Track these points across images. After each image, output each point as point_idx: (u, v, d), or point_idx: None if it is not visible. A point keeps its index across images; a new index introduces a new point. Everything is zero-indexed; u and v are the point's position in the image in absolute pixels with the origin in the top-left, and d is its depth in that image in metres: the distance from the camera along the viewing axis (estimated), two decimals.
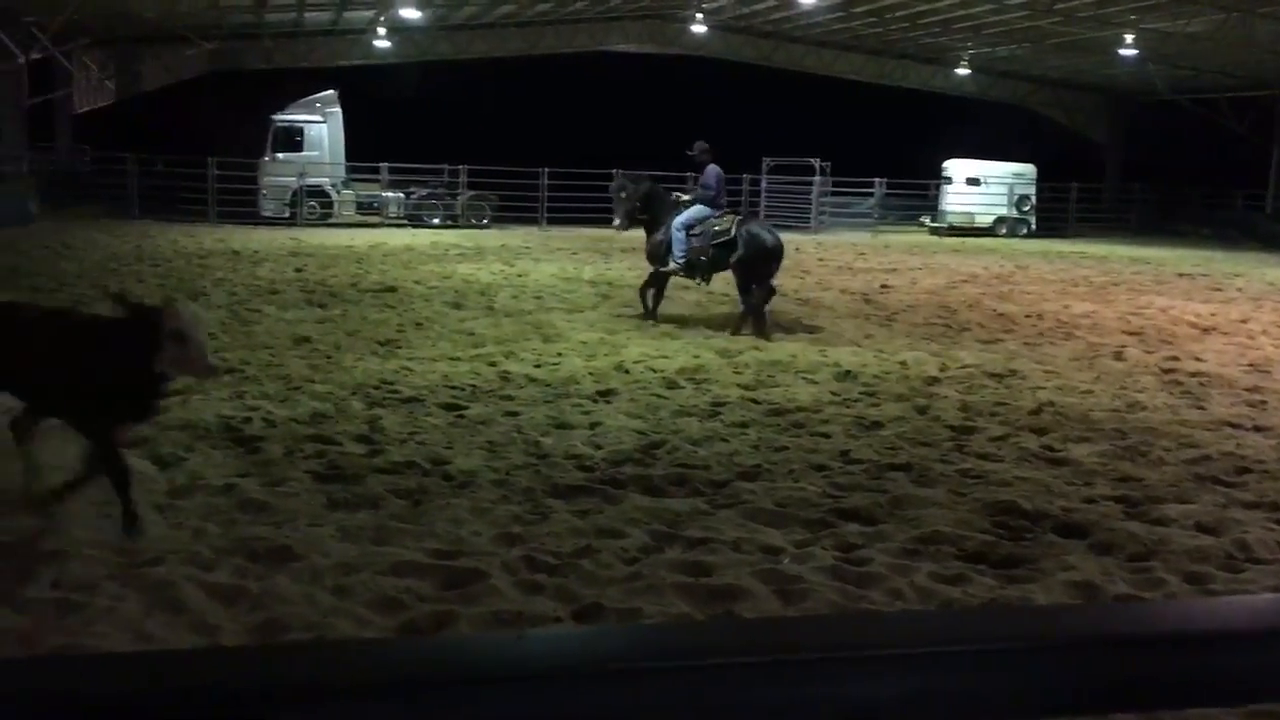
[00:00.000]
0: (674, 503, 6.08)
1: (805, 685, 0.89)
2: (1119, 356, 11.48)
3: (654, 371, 9.98)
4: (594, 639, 1.14)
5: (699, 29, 35.39)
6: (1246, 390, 9.79)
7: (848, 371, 10.24)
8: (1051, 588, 4.93)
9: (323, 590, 4.68)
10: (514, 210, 31.31)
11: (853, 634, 0.95)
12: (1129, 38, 31.19)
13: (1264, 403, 9.27)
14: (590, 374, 9.76)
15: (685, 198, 13.58)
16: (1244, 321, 14.46)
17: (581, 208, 31.16)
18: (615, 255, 22.90)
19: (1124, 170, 40.67)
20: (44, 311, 5.91)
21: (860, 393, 9.37)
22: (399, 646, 1.56)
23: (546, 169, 31.24)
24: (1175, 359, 11.31)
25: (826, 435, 7.79)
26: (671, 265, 13.05)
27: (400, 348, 10.89)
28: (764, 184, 35.36)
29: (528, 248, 24.14)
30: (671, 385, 9.45)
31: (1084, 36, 31.90)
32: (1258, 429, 8.31)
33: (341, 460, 6.69)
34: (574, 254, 22.94)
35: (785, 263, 22.23)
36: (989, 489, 6.47)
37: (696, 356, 10.81)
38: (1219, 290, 18.55)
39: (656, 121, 42.33)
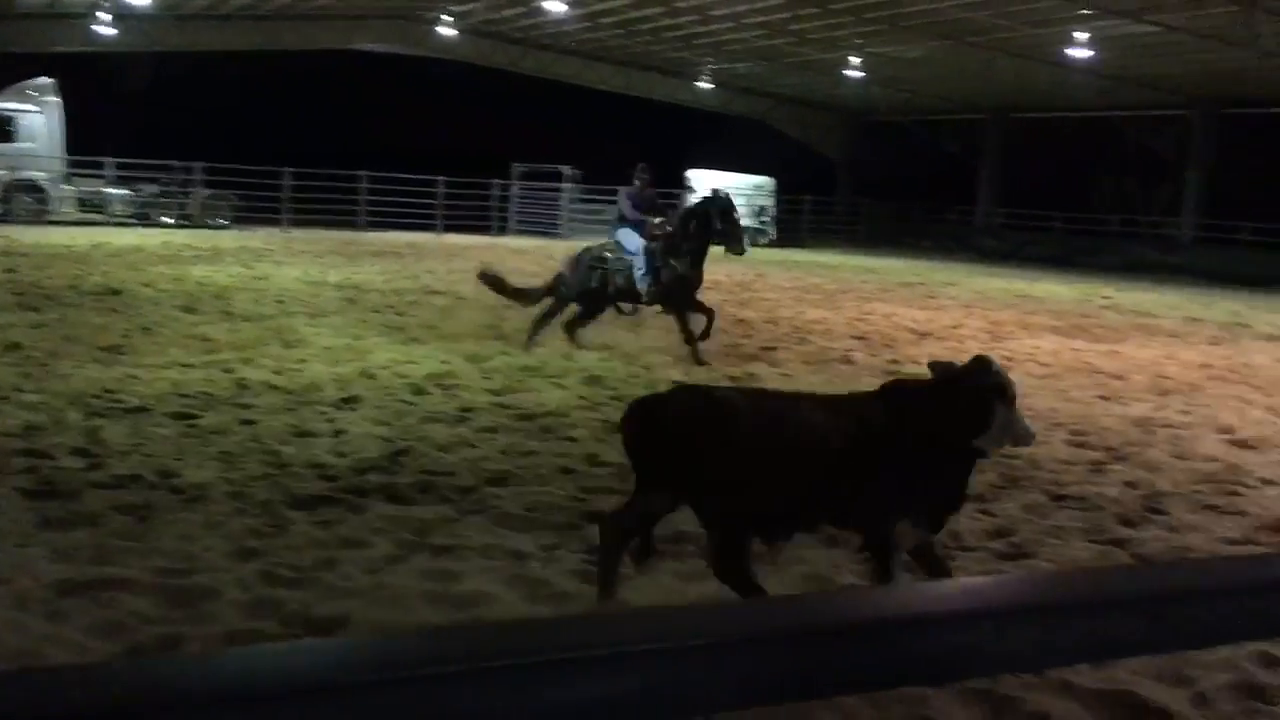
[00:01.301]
0: (420, 510, 5.99)
1: (518, 690, 0.90)
2: (846, 360, 12.17)
3: (401, 377, 9.80)
4: (323, 652, 1.10)
5: (447, 32, 35.06)
6: None
7: (595, 376, 10.39)
8: (786, 581, 5.15)
9: (33, 616, 4.33)
10: (255, 211, 29.98)
11: (563, 637, 0.97)
12: (855, 60, 33.17)
13: None
14: (334, 380, 9.48)
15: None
16: (956, 327, 15.64)
17: (327, 209, 30.23)
18: (363, 259, 22.34)
19: (854, 185, 43.18)
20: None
21: (608, 396, 9.52)
22: (113, 671, 1.47)
23: (290, 169, 30.11)
24: (896, 362, 12.09)
25: (575, 439, 7.88)
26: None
27: (125, 354, 10.22)
28: (514, 190, 35.38)
29: (269, 250, 23.17)
30: (419, 391, 9.30)
31: (815, 57, 33.71)
32: None
33: (56, 475, 6.21)
34: (319, 257, 22.20)
35: (536, 269, 22.40)
36: None
37: (445, 362, 10.69)
38: (934, 298, 20.00)
39: (405, 123, 41.65)
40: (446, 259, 23.63)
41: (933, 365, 4.75)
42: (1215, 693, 4.04)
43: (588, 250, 12.49)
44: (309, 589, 4.75)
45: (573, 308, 12.22)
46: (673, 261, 11.76)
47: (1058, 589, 1.12)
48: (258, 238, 26.08)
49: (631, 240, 12.05)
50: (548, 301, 12.21)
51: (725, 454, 4.15)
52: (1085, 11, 24.68)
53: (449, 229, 31.99)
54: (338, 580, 4.86)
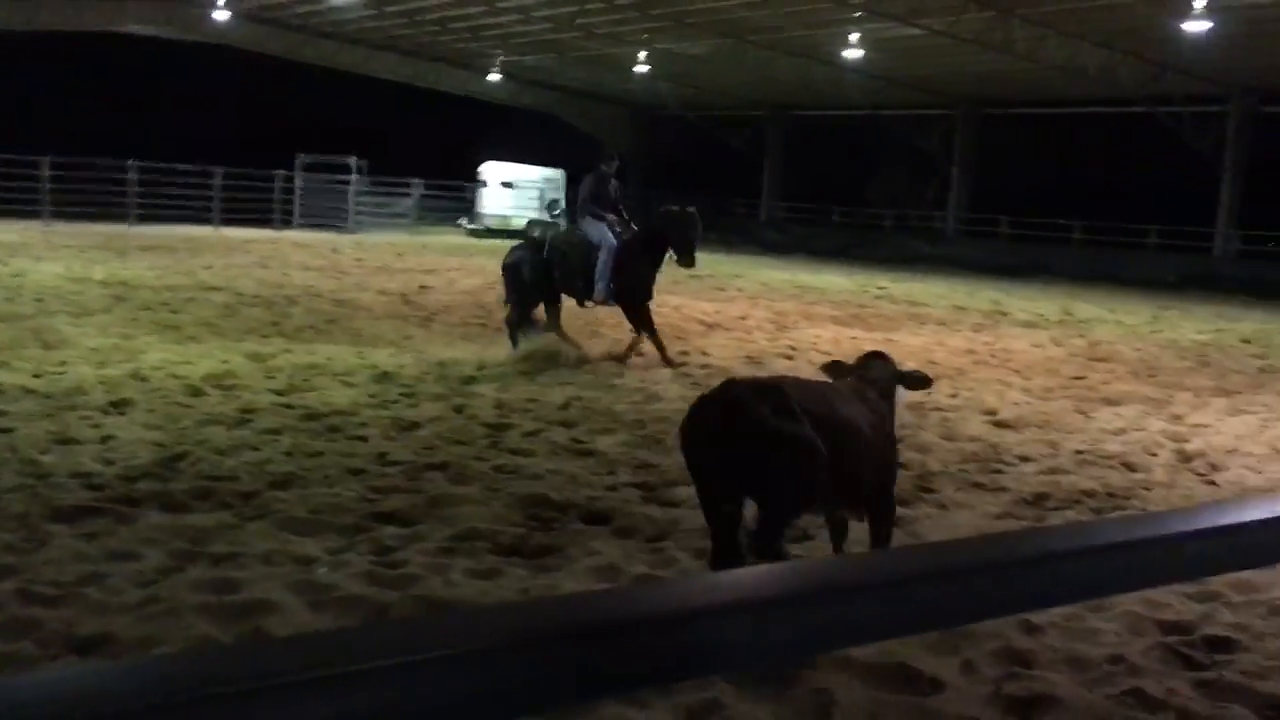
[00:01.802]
0: (197, 518, 5.70)
1: (261, 712, 0.85)
2: (639, 352, 12.32)
3: (176, 378, 9.31)
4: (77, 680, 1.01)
5: (221, 15, 33.52)
6: None
7: (385, 373, 10.17)
8: (577, 574, 5.18)
9: None
10: (8, 204, 27.87)
11: (316, 653, 0.92)
12: (641, 55, 33.65)
13: None
14: (101, 383, 8.92)
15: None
16: (743, 318, 16.10)
17: (93, 202, 28.42)
18: (133, 254, 21.13)
19: (644, 178, 43.81)
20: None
21: (398, 394, 9.33)
22: None
23: (50, 158, 28.12)
24: (686, 353, 12.34)
25: (364, 438, 7.68)
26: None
27: None
28: (298, 182, 34.18)
29: (26, 244, 21.60)
30: (196, 393, 8.86)
31: (603, 52, 34.01)
32: None
33: None
34: (83, 252, 20.86)
35: (322, 263, 21.76)
36: (522, 483, 6.68)
37: (225, 361, 10.23)
38: (722, 290, 20.53)
39: (178, 111, 39.57)
40: (225, 254, 22.64)
41: (824, 368, 5.31)
42: (981, 660, 4.30)
43: (530, 243, 12.09)
44: (71, 606, 4.44)
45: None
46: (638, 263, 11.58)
47: (811, 577, 1.16)
48: (13, 231, 24.24)
49: (598, 233, 11.70)
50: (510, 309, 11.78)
51: (796, 445, 4.32)
52: (857, 14, 25.82)
53: (228, 222, 30.64)
54: (104, 596, 4.57)
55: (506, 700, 0.92)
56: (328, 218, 33.60)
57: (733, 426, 4.32)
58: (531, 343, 11.26)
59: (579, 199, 12.29)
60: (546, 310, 11.88)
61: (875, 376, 5.05)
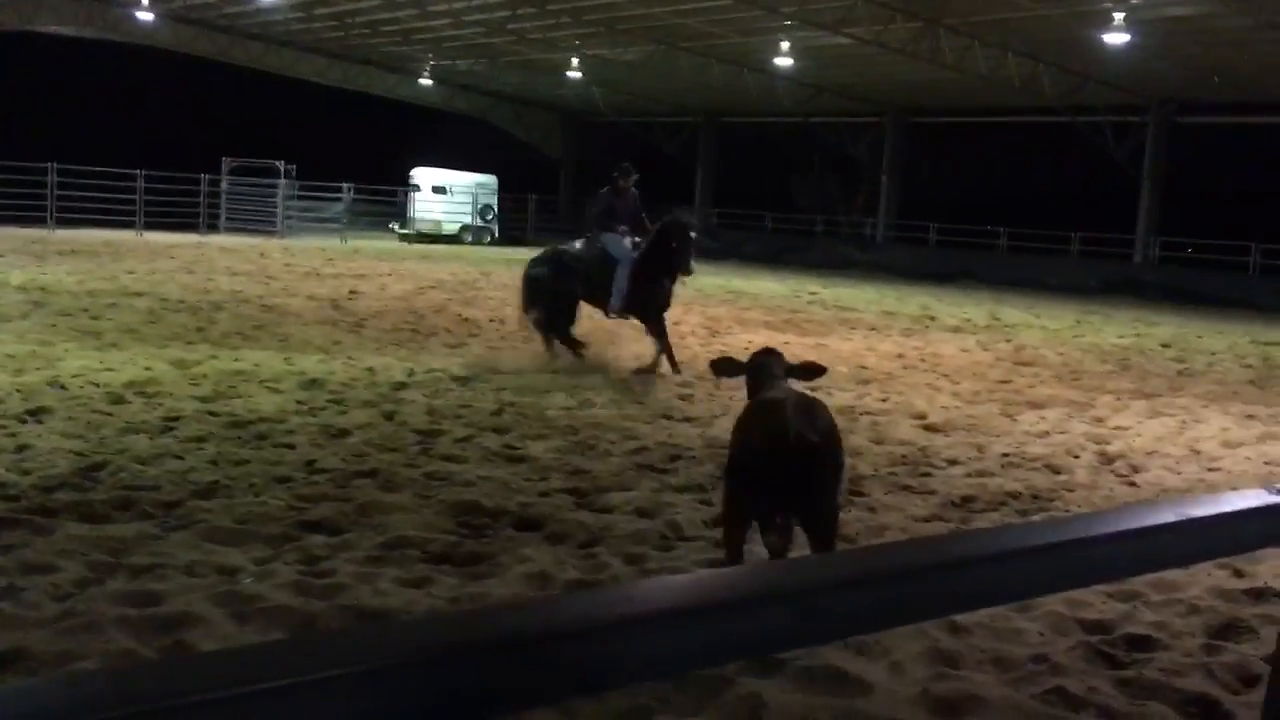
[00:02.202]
0: (117, 528, 5.56)
1: None
2: (659, 367, 12.31)
3: (97, 386, 9.09)
4: None
5: (145, 16, 32.88)
6: (678, 385, 10.92)
7: (314, 379, 10.03)
8: (509, 581, 5.15)
9: None
10: None
11: (219, 672, 0.90)
12: (574, 61, 33.64)
13: (692, 396, 10.40)
14: (18, 390, 8.68)
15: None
16: (676, 323, 16.11)
17: (10, 205, 27.69)
18: (51, 259, 20.61)
19: (577, 184, 43.75)
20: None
21: (327, 400, 9.21)
22: None
23: None
24: (620, 358, 12.32)
25: (291, 446, 7.55)
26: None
27: None
28: (224, 185, 33.62)
29: None
30: (117, 400, 8.66)
31: (535, 57, 33.93)
32: (687, 419, 9.30)
33: None
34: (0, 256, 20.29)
35: (249, 268, 21.41)
36: (453, 489, 6.63)
37: (148, 369, 10.02)
38: None
39: (100, 115, 38.71)
40: (149, 259, 22.18)
41: (714, 364, 5.51)
42: (909, 661, 4.35)
43: (563, 252, 12.20)
44: None
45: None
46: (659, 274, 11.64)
47: (713, 588, 1.16)
48: None
49: (616, 246, 11.77)
50: (535, 314, 11.89)
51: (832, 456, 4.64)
52: (788, 23, 26.04)
53: (151, 226, 30.03)
54: (18, 609, 4.43)
55: (411, 716, 0.91)
56: (256, 222, 33.09)
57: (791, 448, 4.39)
58: (559, 348, 11.62)
59: (592, 213, 12.42)
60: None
61: (776, 372, 5.15)
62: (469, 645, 0.94)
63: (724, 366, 5.45)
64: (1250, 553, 4.83)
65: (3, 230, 26.08)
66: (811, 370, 5.46)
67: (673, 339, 13.45)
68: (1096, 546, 1.29)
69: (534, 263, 12.48)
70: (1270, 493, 1.55)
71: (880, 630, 3.84)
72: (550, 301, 11.95)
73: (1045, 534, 1.36)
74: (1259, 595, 5.37)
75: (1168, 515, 1.35)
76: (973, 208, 33.84)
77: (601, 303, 12.10)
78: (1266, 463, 8.74)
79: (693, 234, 11.92)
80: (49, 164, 28.67)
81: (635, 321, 12.32)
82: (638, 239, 12.02)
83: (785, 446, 4.35)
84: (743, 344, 14.22)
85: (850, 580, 1.15)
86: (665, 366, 11.64)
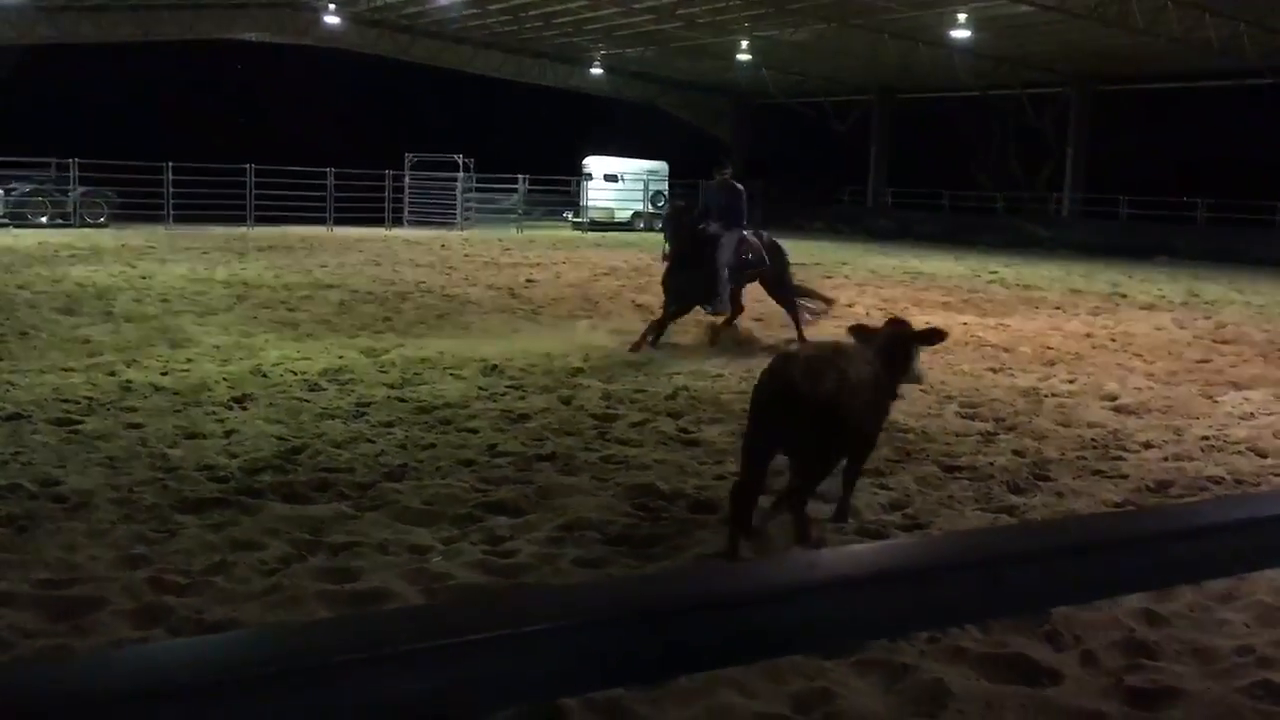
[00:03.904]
0: (316, 509, 5.87)
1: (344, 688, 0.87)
2: (750, 339, 12.29)
3: (295, 374, 9.59)
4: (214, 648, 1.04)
5: (332, 20, 34.39)
6: None
7: (494, 366, 10.31)
8: (685, 562, 5.19)
9: None
10: (135, 208, 29.08)
11: (414, 626, 0.94)
12: (744, 43, 33.43)
13: None
14: (224, 379, 9.24)
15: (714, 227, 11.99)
16: (850, 305, 15.88)
17: (213, 205, 29.44)
18: (251, 255, 21.82)
19: (747, 167, 43.56)
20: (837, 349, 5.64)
21: (506, 386, 9.45)
22: None
23: (171, 163, 29.22)
24: (792, 341, 12.22)
25: (474, 430, 7.80)
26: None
27: (1, 360, 9.82)
28: (407, 180, 34.89)
29: (152, 248, 22.49)
30: (314, 388, 9.12)
31: (704, 41, 33.87)
32: None
33: None
34: (204, 254, 21.62)
35: (431, 260, 22.18)
36: (630, 473, 6.72)
37: (340, 357, 10.51)
38: (830, 278, 20.28)
39: (294, 115, 40.73)
40: (339, 252, 23.22)
41: (851, 330, 6.11)
42: (1102, 651, 4.19)
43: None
44: (200, 594, 4.62)
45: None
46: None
47: (897, 557, 1.14)
48: (139, 236, 25.27)
49: (724, 253, 11.82)
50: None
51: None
52: None
53: (341, 222, 31.44)
54: (230, 584, 4.74)
55: (599, 672, 0.93)
56: (437, 215, 34.21)
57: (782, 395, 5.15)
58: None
59: (704, 208, 12.32)
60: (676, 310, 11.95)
61: (887, 337, 5.84)
62: (652, 608, 0.96)
63: (859, 331, 6.07)
64: None
65: (206, 229, 27.77)
66: (934, 335, 6.10)
67: (848, 321, 13.28)
68: None
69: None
70: None
71: (1067, 604, 3.71)
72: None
73: (1248, 508, 1.29)
74: None
75: None
76: (1168, 179, 32.09)
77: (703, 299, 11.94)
78: None
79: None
80: (247, 165, 30.33)
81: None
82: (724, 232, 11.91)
83: (771, 391, 5.19)
84: (919, 325, 13.90)
85: (1038, 552, 1.12)
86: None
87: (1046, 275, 22.37)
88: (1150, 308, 16.94)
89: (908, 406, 8.97)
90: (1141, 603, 4.54)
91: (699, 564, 4.98)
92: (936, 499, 6.38)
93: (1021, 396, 9.53)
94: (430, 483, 6.41)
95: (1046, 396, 9.51)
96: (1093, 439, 7.95)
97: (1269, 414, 8.96)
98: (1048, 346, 12.51)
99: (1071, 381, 10.26)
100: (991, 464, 7.18)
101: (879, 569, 1.05)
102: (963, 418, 8.67)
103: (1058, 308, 16.63)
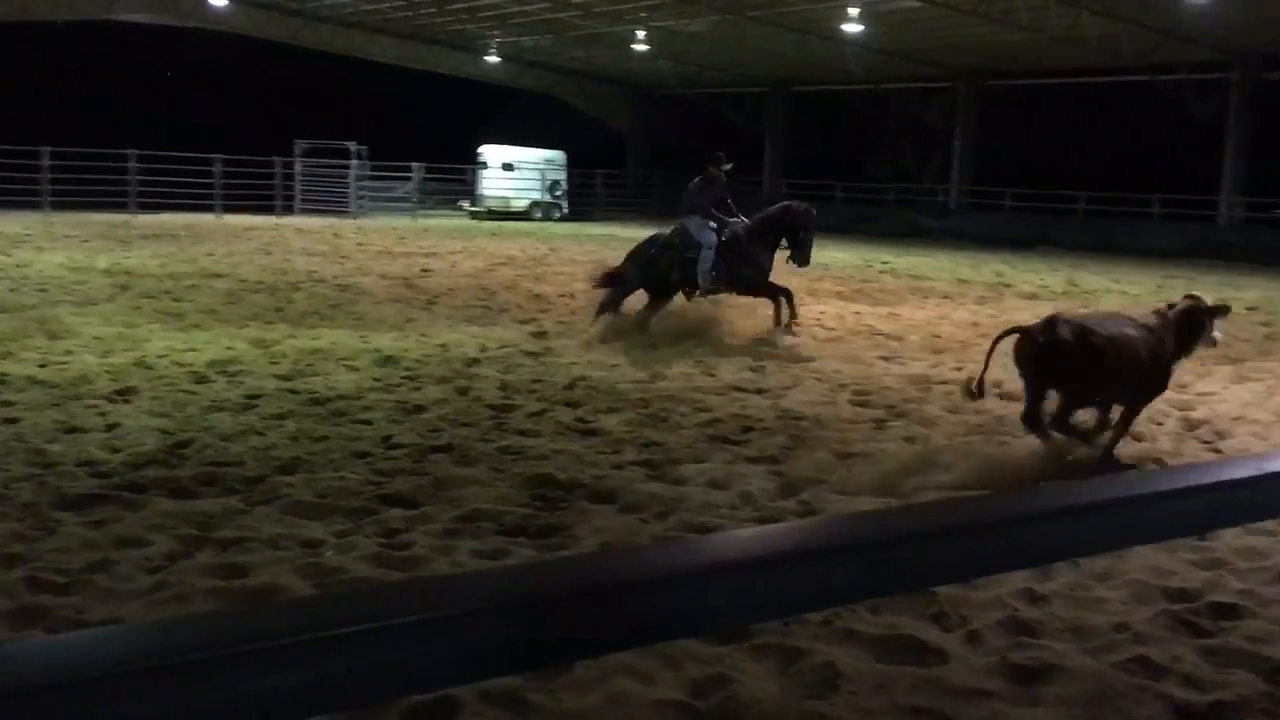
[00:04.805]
0: (204, 504, 5.72)
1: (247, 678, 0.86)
2: (790, 327, 12.38)
3: (181, 366, 9.33)
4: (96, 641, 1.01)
5: (218, 2, 33.45)
6: (750, 358, 10.89)
7: (389, 356, 10.17)
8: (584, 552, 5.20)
9: None
10: (9, 195, 27.89)
11: (299, 618, 0.93)
12: (640, 34, 33.49)
13: (763, 368, 10.37)
14: (106, 372, 8.95)
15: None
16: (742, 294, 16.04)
17: (94, 191, 28.42)
18: (135, 243, 21.14)
19: (645, 158, 43.68)
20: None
21: (402, 377, 9.34)
22: None
23: (49, 148, 28.11)
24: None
25: (368, 422, 7.69)
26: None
27: None
28: (298, 167, 34.13)
29: (28, 235, 21.63)
30: (201, 380, 8.89)
31: (601, 30, 33.83)
32: (758, 391, 9.28)
33: None
34: (85, 242, 20.89)
35: (324, 249, 21.77)
36: (527, 463, 6.70)
37: (229, 348, 10.26)
38: None
39: (175, 99, 39.49)
40: (227, 241, 22.64)
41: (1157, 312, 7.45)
42: (986, 630, 4.32)
43: (654, 238, 12.43)
44: (80, 593, 4.47)
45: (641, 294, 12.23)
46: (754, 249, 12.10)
47: (780, 541, 1.17)
48: (14, 223, 24.25)
49: (705, 235, 12.10)
50: (610, 289, 12.19)
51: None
52: None
53: (229, 209, 30.64)
54: (112, 582, 4.59)
55: (484, 662, 0.94)
56: (329, 203, 33.57)
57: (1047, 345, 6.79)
58: (605, 322, 11.81)
59: (688, 199, 12.59)
60: (655, 300, 12.25)
61: (1183, 310, 7.26)
62: (537, 595, 0.97)
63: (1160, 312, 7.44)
64: None
65: (87, 216, 26.81)
66: (1219, 310, 7.50)
67: (744, 309, 13.43)
68: (1173, 501, 1.27)
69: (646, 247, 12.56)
70: None
71: (948, 583, 3.82)
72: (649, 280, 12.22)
73: (1120, 488, 1.35)
74: None
75: (1244, 470, 1.33)
76: (1049, 173, 33.11)
77: (690, 284, 12.30)
78: None
79: (812, 229, 12.55)
80: (129, 150, 29.34)
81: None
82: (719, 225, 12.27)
83: (1034, 340, 6.95)
84: (814, 315, 14.13)
85: (917, 533, 1.15)
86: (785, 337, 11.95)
87: (935, 265, 22.92)
88: (1033, 297, 17.48)
89: (802, 395, 9.12)
90: (1024, 582, 4.70)
91: (586, 552, 4.99)
92: (829, 485, 6.49)
93: (912, 384, 9.76)
94: (323, 476, 6.31)
95: (935, 384, 9.75)
96: (978, 425, 8.19)
97: None
98: (936, 335, 12.82)
99: (959, 369, 10.53)
100: (883, 450, 7.34)
101: (762, 553, 1.07)
102: (856, 405, 8.84)
103: (946, 297, 17.05)
